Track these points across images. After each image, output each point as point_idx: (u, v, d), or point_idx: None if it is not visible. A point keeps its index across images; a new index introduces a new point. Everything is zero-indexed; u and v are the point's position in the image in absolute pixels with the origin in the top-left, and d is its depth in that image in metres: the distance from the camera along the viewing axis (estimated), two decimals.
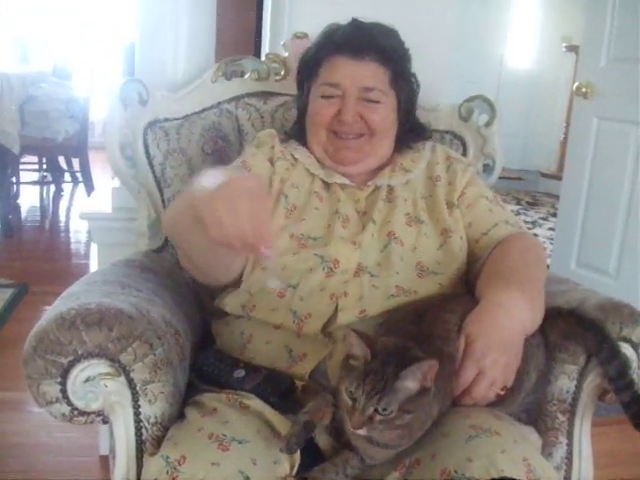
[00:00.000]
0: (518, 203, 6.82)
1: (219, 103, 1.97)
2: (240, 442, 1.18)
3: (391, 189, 1.64)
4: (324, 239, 1.53)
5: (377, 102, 1.61)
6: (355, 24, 1.65)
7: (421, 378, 1.14)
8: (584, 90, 3.72)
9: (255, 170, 1.61)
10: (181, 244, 1.48)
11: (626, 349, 1.40)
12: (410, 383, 1.14)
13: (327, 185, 1.65)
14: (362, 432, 1.15)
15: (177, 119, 1.88)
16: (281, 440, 1.20)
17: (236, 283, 1.55)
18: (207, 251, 1.36)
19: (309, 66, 1.69)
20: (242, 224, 1.10)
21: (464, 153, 1.97)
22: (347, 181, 1.64)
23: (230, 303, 1.55)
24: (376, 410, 1.13)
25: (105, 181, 2.31)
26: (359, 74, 1.60)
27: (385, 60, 1.62)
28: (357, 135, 1.62)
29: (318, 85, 1.65)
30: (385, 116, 1.64)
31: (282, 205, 1.58)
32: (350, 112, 1.59)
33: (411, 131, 1.74)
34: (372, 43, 1.61)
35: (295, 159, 1.67)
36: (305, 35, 1.98)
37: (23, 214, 5.46)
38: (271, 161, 1.65)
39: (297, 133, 1.74)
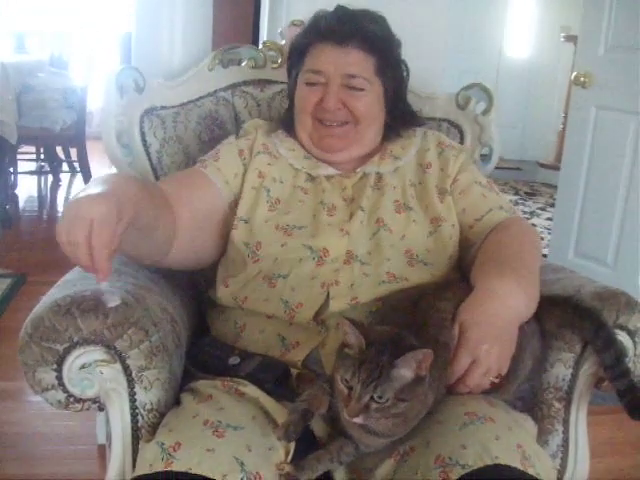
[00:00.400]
0: (516, 193, 6.81)
1: (216, 91, 1.96)
2: (235, 428, 1.18)
3: (380, 176, 1.64)
4: (310, 229, 1.53)
5: (361, 90, 1.60)
6: (340, 11, 1.64)
7: (416, 367, 1.14)
8: (582, 79, 3.70)
9: (222, 161, 1.62)
10: None
11: (622, 337, 1.40)
12: (405, 371, 1.14)
13: (312, 177, 1.64)
14: (358, 420, 1.15)
15: (174, 107, 1.88)
16: (279, 428, 1.20)
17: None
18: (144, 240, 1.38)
19: (296, 54, 1.69)
20: (77, 251, 1.11)
21: (461, 141, 1.96)
22: (333, 171, 1.64)
23: (222, 295, 1.55)
24: (372, 398, 1.13)
25: (103, 171, 2.30)
26: (342, 61, 1.59)
27: (370, 47, 1.61)
28: (341, 123, 1.62)
29: (303, 72, 1.65)
30: (369, 104, 1.63)
31: (264, 199, 1.58)
32: (332, 99, 1.59)
33: (401, 118, 1.73)
34: (356, 30, 1.60)
35: (279, 153, 1.67)
36: (302, 23, 1.96)
37: (21, 204, 5.44)
38: (243, 154, 1.65)
39: (288, 120, 1.73)
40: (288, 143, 1.69)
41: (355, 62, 1.60)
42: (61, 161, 6.06)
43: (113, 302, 1.23)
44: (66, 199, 5.76)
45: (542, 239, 4.70)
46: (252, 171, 1.62)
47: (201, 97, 1.94)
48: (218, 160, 1.62)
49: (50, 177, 6.10)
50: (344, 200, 1.59)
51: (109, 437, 1.33)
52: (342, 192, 1.61)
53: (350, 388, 1.15)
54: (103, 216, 1.11)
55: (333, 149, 1.64)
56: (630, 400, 1.31)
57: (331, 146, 1.64)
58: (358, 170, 1.64)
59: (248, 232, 1.54)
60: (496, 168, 2.01)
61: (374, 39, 1.62)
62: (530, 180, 7.46)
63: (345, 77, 1.59)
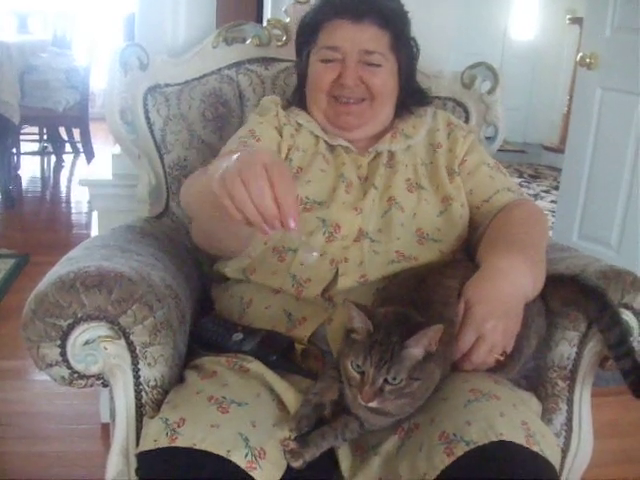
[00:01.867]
0: (520, 176, 6.79)
1: (220, 69, 1.95)
2: (240, 404, 1.18)
3: (392, 155, 1.64)
4: (327, 203, 1.53)
5: (378, 65, 1.60)
6: None
7: (427, 344, 1.14)
8: (588, 61, 3.68)
9: (263, 140, 1.60)
10: (200, 224, 1.48)
11: (627, 316, 1.39)
12: (416, 350, 1.14)
13: (331, 147, 1.64)
14: (373, 404, 1.14)
15: (177, 84, 1.87)
16: (291, 420, 1.21)
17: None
18: (227, 232, 1.37)
19: (308, 31, 1.67)
20: (262, 200, 1.05)
21: (466, 120, 1.96)
22: (350, 145, 1.64)
23: (231, 267, 1.55)
24: (386, 381, 1.13)
25: (106, 152, 2.30)
26: (359, 37, 1.58)
27: (385, 23, 1.60)
28: (358, 100, 1.61)
29: (317, 49, 1.63)
30: (386, 80, 1.62)
31: None
32: (351, 76, 1.58)
33: (412, 96, 1.73)
34: (371, 6, 1.59)
35: (299, 124, 1.66)
36: (307, 0, 1.96)
37: (24, 185, 5.45)
38: (278, 129, 1.64)
39: (298, 100, 1.73)
40: (305, 116, 1.68)
41: (371, 38, 1.59)
42: (64, 142, 6.05)
43: (312, 256, 1.20)
44: (69, 180, 5.77)
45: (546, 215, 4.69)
46: (284, 144, 1.62)
47: (205, 75, 1.93)
48: (260, 140, 1.59)
49: (53, 158, 6.10)
50: (359, 178, 1.59)
51: (113, 414, 1.34)
52: (358, 170, 1.61)
53: (362, 373, 1.14)
54: (273, 159, 1.07)
55: (350, 126, 1.64)
56: (634, 380, 1.30)
57: (348, 123, 1.63)
58: (371, 150, 1.64)
59: None
60: (500, 151, 2.01)
61: (389, 14, 1.61)
62: (534, 163, 7.44)
63: (362, 53, 1.58)
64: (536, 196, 6.00)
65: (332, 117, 1.64)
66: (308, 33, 1.67)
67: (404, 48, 1.66)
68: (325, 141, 1.64)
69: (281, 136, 1.63)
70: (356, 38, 1.58)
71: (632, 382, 1.30)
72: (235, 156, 1.11)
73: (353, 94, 1.60)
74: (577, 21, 6.31)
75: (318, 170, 1.58)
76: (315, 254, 1.20)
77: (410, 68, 1.70)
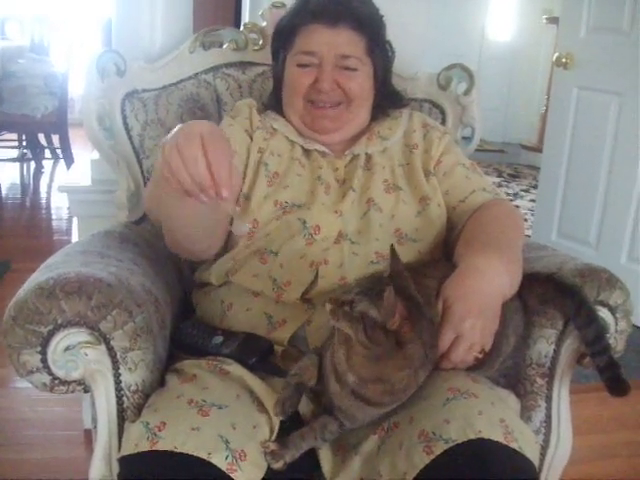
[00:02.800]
0: (500, 175, 6.83)
1: (197, 74, 1.96)
2: (220, 407, 1.19)
3: (369, 157, 1.65)
4: (307, 204, 1.54)
5: (354, 70, 1.61)
6: None
7: (385, 307, 1.12)
8: (564, 60, 3.72)
9: (232, 141, 1.59)
10: (163, 220, 1.47)
11: (603, 313, 1.41)
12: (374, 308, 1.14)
13: (307, 152, 1.65)
14: (328, 307, 1.17)
15: (155, 90, 1.87)
16: (275, 405, 1.22)
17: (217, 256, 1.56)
18: (187, 224, 1.38)
19: (284, 35, 1.68)
20: (196, 167, 1.12)
21: (443, 122, 1.97)
22: (326, 149, 1.65)
23: (215, 271, 1.55)
24: (351, 302, 1.15)
25: (86, 158, 2.30)
26: (335, 42, 1.59)
27: (361, 27, 1.61)
28: (335, 104, 1.62)
29: (294, 54, 1.64)
30: (362, 84, 1.63)
31: (263, 174, 1.58)
32: (328, 80, 1.59)
33: (387, 99, 1.74)
34: (347, 10, 1.60)
35: (274, 129, 1.66)
36: (283, 5, 1.97)
37: (3, 192, 5.41)
38: (248, 132, 1.64)
39: (274, 103, 1.73)
40: (281, 121, 1.69)
41: (348, 42, 1.60)
42: (43, 148, 6.02)
43: (243, 229, 1.24)
44: (49, 186, 5.75)
45: (525, 220, 4.72)
46: (254, 147, 1.62)
47: (182, 80, 1.93)
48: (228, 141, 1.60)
49: (32, 164, 6.07)
50: (337, 181, 1.60)
51: (95, 419, 1.33)
52: (335, 173, 1.62)
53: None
54: (211, 130, 1.14)
55: (326, 130, 1.64)
56: (610, 376, 1.32)
57: (324, 127, 1.64)
58: (347, 152, 1.65)
59: (246, 209, 1.53)
60: (480, 150, 2.02)
61: (364, 19, 1.62)
62: (513, 162, 7.48)
63: (339, 57, 1.59)
64: (515, 195, 6.04)
65: (308, 121, 1.64)
66: (284, 37, 1.68)
67: (380, 52, 1.67)
68: (301, 146, 1.65)
69: (251, 139, 1.63)
70: (332, 43, 1.59)
71: (608, 379, 1.32)
72: (177, 127, 1.19)
73: (330, 98, 1.61)
74: (553, 21, 6.35)
75: (295, 175, 1.59)
76: (247, 226, 1.25)
77: (386, 71, 1.71)
